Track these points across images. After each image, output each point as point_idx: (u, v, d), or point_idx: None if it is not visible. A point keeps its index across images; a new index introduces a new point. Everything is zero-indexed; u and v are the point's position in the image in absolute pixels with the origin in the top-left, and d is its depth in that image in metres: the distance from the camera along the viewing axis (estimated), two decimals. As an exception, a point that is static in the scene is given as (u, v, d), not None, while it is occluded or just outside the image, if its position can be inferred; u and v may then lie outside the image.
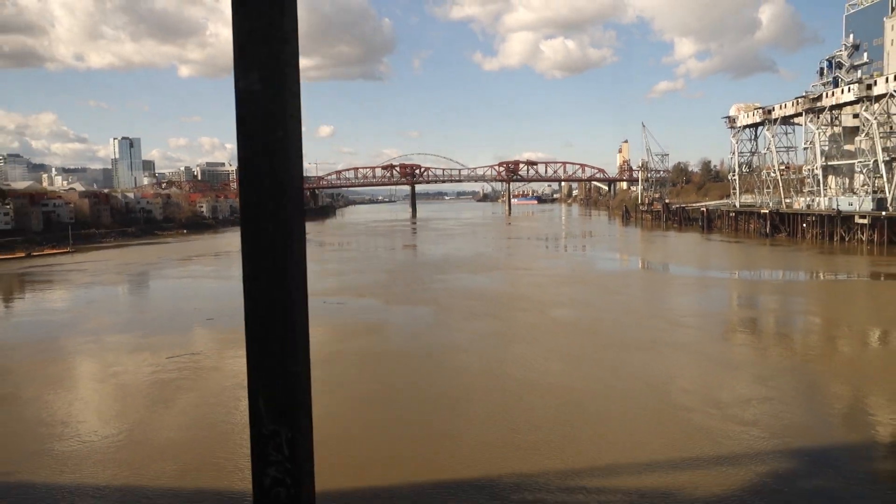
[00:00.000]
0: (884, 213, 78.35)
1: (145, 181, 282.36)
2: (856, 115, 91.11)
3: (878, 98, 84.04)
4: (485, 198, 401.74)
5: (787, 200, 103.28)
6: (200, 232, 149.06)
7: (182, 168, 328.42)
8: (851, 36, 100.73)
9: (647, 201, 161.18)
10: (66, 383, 28.60)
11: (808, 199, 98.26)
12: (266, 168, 3.02)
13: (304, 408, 3.44)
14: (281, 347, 3.41)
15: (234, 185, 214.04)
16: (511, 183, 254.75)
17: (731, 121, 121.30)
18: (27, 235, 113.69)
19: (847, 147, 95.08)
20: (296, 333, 3.45)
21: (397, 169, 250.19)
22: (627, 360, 29.17)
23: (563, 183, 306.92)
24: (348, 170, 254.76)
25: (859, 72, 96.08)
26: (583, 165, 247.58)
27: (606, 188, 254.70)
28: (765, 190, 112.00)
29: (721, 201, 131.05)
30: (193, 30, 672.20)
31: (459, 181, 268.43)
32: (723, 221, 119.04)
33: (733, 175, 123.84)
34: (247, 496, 15.16)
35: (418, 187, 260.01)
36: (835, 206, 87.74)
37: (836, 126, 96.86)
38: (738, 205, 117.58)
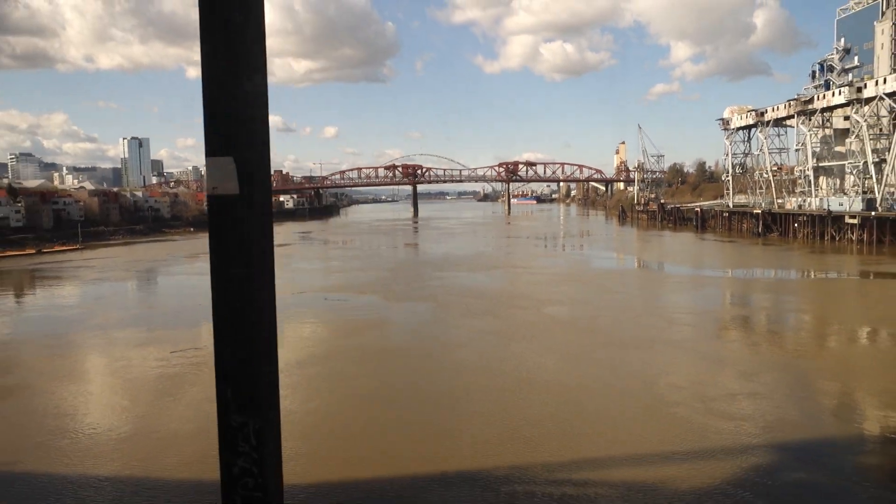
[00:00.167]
0: (873, 213, 79.52)
1: (153, 180, 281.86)
2: (846, 118, 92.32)
3: (868, 101, 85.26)
4: (485, 198, 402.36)
5: (780, 201, 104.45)
6: (207, 230, 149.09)
7: (190, 167, 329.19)
8: (843, 40, 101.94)
9: (643, 201, 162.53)
10: (73, 377, 29.08)
11: (799, 199, 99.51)
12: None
13: (272, 400, 3.42)
14: (248, 340, 3.40)
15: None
16: (511, 183, 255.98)
17: (725, 123, 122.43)
18: (38, 232, 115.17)
19: (838, 149, 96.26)
20: (263, 326, 3.46)
21: (400, 169, 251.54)
22: (624, 357, 29.80)
23: (561, 183, 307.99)
24: (352, 170, 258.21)
25: (850, 75, 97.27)
26: (581, 166, 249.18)
27: (604, 188, 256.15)
28: (757, 190, 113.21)
29: (715, 201, 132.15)
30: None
31: (460, 181, 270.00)
32: (716, 221, 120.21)
33: (727, 176, 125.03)
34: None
35: (420, 187, 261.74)
36: (826, 207, 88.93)
37: (828, 128, 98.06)
38: (731, 205, 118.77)
